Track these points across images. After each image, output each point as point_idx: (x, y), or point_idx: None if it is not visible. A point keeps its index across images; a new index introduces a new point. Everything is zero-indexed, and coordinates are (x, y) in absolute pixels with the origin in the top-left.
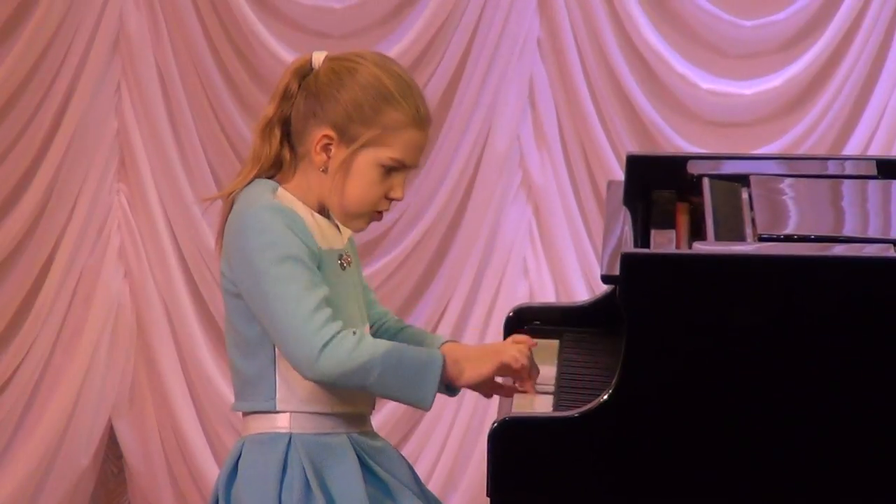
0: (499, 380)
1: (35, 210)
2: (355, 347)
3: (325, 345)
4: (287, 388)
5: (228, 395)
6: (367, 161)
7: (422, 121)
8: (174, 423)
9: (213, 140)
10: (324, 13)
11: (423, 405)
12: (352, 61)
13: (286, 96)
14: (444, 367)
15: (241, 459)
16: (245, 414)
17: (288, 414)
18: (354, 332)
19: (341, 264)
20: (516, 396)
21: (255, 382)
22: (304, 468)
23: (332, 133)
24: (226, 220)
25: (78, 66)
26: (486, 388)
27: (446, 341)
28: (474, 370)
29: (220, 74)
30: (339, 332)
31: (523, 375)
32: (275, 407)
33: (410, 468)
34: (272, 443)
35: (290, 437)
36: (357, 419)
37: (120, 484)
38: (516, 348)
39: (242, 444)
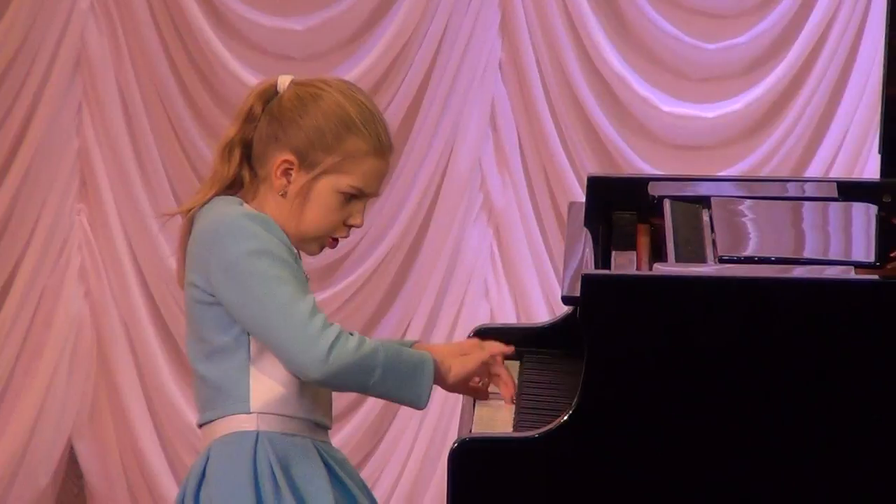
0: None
1: None
2: (360, 346)
3: (333, 344)
4: (260, 388)
5: (189, 414)
6: (327, 188)
7: (383, 150)
8: (134, 443)
9: (175, 161)
10: (285, 35)
11: (419, 404)
12: (317, 87)
13: (249, 118)
14: (435, 365)
15: (209, 462)
16: (206, 423)
17: (255, 414)
18: (352, 333)
19: (306, 279)
20: (477, 416)
21: (226, 389)
22: (271, 465)
23: (292, 158)
24: (185, 235)
25: (39, 86)
26: (466, 388)
27: (415, 342)
28: (461, 366)
29: (182, 96)
30: (342, 331)
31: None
32: (248, 409)
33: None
34: (239, 441)
35: (257, 434)
36: (318, 429)
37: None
38: (494, 345)
39: (209, 449)
